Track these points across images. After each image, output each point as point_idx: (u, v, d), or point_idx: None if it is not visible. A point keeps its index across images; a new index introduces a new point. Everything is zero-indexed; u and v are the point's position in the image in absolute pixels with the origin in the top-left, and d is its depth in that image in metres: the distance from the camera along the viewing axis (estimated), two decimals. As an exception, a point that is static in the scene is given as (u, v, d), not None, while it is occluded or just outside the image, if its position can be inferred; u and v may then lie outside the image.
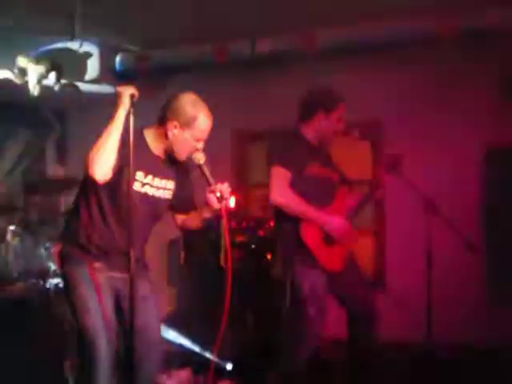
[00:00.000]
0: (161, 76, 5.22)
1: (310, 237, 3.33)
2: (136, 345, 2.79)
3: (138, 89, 2.70)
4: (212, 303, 4.72)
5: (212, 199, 2.74)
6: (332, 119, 3.43)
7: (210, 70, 5.06)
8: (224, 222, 2.74)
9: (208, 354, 4.52)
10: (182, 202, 2.95)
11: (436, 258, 3.77)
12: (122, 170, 2.69)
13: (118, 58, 5.06)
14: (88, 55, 4.92)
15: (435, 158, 4.72)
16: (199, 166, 2.75)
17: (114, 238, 2.77)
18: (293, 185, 3.31)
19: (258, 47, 4.71)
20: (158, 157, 2.83)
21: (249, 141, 4.35)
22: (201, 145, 2.78)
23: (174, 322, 4.97)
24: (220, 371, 4.40)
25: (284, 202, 3.30)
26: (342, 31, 4.53)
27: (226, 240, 2.78)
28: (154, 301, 2.91)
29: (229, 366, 4.43)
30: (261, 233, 4.46)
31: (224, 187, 2.73)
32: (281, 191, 3.27)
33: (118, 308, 2.84)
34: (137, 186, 2.76)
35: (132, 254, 2.63)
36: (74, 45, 4.89)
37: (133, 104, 2.62)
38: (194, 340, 4.64)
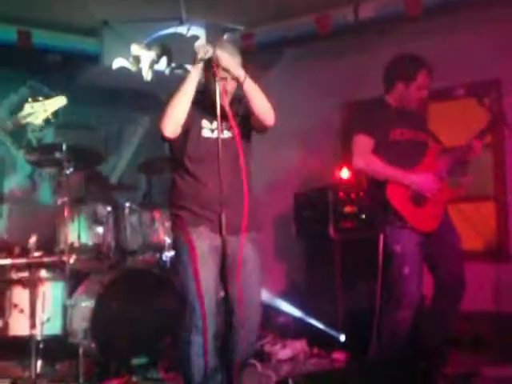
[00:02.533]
0: (267, 52, 5.26)
1: (396, 198, 3.36)
2: (237, 306, 2.86)
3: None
4: (323, 275, 4.75)
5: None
6: (411, 89, 3.44)
7: (315, 42, 5.01)
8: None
9: (322, 326, 4.54)
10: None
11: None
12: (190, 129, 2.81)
13: (224, 38, 5.15)
14: (195, 38, 5.09)
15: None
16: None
17: (209, 193, 2.81)
18: (377, 150, 3.40)
19: (360, 13, 4.59)
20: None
21: (356, 111, 4.25)
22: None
23: (288, 295, 5.04)
24: (334, 342, 4.41)
25: (364, 165, 3.41)
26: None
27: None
28: (256, 262, 2.93)
29: (342, 338, 4.41)
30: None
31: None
32: (361, 156, 3.39)
33: (221, 270, 2.85)
34: (207, 134, 2.83)
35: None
36: (182, 29, 5.09)
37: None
38: (308, 312, 4.67)
